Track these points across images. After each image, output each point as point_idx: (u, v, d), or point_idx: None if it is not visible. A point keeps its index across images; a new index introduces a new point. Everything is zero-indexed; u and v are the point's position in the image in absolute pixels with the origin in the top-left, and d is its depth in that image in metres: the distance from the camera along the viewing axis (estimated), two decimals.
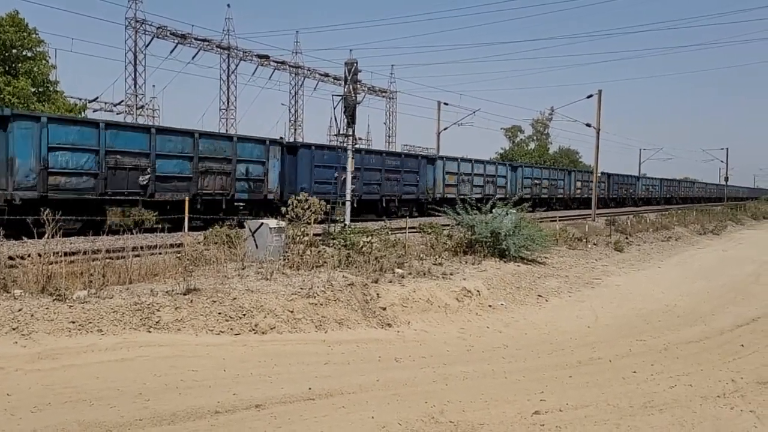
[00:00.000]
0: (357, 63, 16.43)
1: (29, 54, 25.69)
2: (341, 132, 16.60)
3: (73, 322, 7.40)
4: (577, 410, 5.79)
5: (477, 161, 37.36)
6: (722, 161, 72.74)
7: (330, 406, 5.70)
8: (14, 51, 25.08)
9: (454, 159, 35.32)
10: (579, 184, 50.75)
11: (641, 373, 7.80)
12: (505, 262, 15.98)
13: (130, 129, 18.96)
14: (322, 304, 9.22)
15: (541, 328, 10.75)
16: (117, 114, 40.13)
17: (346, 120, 16.11)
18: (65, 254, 9.94)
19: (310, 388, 6.13)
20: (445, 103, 39.98)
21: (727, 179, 74.74)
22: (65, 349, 6.73)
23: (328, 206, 14.30)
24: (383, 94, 56.26)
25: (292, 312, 8.81)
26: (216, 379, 6.31)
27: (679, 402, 6.39)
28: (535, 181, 43.97)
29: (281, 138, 25.07)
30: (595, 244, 23.11)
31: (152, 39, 40.36)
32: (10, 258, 9.56)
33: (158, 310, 8.02)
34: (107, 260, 10.04)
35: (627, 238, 25.81)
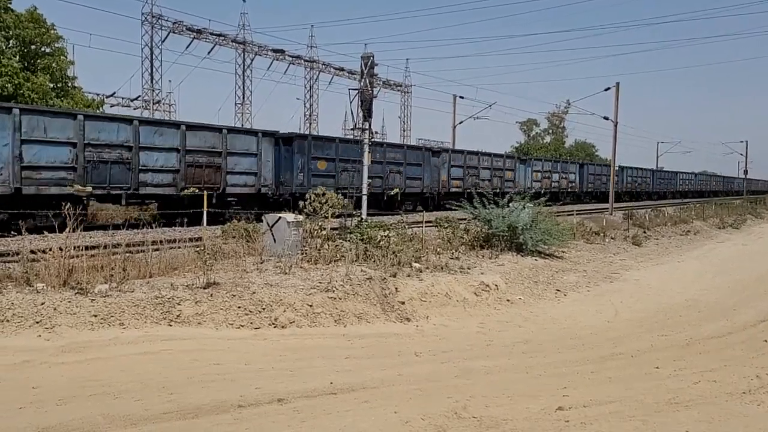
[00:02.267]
0: (373, 56, 16.38)
1: (48, 50, 25.84)
2: (358, 126, 16.55)
3: (96, 316, 7.46)
4: (601, 406, 5.73)
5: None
6: (741, 154, 71.82)
7: (353, 400, 5.68)
8: (33, 47, 25.26)
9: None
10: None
11: (664, 369, 7.70)
12: (522, 256, 15.89)
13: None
14: (341, 299, 9.21)
15: (561, 322, 10.68)
16: (134, 109, 40.41)
17: (362, 114, 16.06)
18: (85, 248, 10.01)
19: (332, 383, 6.12)
20: (461, 97, 39.77)
21: (746, 172, 73.78)
22: (89, 343, 6.78)
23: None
24: (398, 88, 56.10)
25: (311, 306, 8.81)
26: (238, 372, 6.32)
27: (705, 398, 6.30)
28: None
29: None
30: (612, 239, 22.94)
31: (168, 34, 40.55)
32: (32, 252, 9.64)
33: (179, 304, 8.06)
34: (127, 254, 10.11)
35: (645, 232, 25.58)
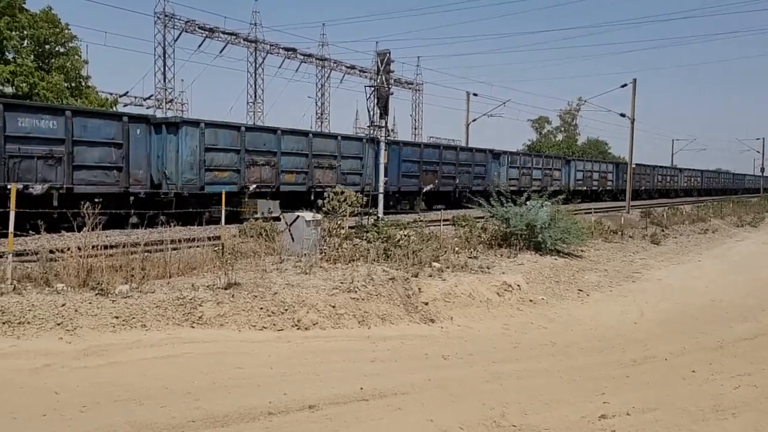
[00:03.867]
0: (390, 53, 16.17)
1: (62, 50, 25.90)
2: (374, 123, 16.35)
3: (117, 317, 7.30)
4: (645, 414, 5.50)
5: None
6: (758, 151, 70.97)
7: (385, 407, 5.48)
8: (47, 47, 25.30)
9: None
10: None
11: (701, 373, 7.47)
12: (541, 255, 15.65)
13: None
14: (363, 299, 9.01)
15: (585, 323, 10.44)
16: (147, 108, 40.42)
17: (379, 111, 15.86)
18: (104, 247, 9.88)
19: (361, 388, 5.93)
20: (474, 94, 39.58)
21: (763, 170, 72.87)
22: (110, 345, 6.62)
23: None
24: (409, 86, 55.83)
25: (333, 307, 8.62)
26: (264, 377, 6.14)
27: (749, 405, 6.06)
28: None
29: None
30: (631, 237, 22.63)
31: (181, 33, 40.51)
32: (50, 252, 9.52)
33: (200, 305, 7.89)
34: (145, 253, 9.97)
35: (663, 230, 25.23)
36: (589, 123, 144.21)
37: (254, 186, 20.20)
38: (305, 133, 22.97)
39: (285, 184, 21.60)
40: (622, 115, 31.47)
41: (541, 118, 75.12)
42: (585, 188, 43.46)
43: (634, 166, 52.33)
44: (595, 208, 29.86)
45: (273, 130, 21.35)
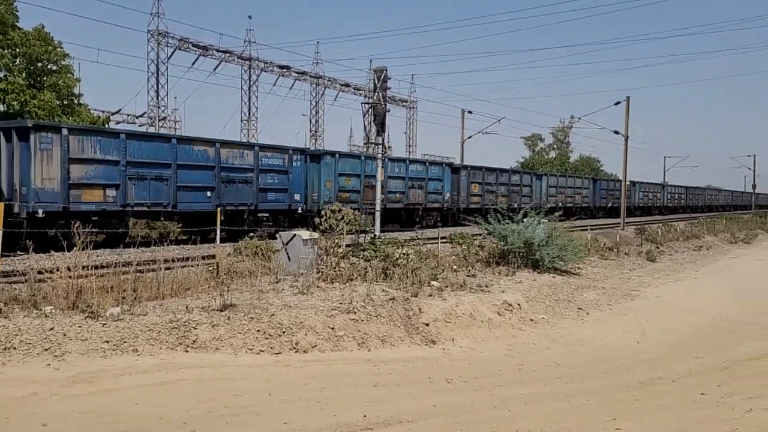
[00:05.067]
0: (386, 70, 16.08)
1: (54, 67, 25.70)
2: (371, 140, 16.22)
3: (108, 342, 7.02)
4: None
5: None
6: (749, 168, 71.29)
7: None
8: (39, 64, 25.10)
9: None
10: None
11: (711, 396, 7.27)
12: (539, 273, 15.49)
13: None
14: (363, 320, 8.77)
15: (589, 344, 10.24)
16: (139, 126, 40.18)
17: (375, 128, 15.73)
18: (94, 267, 9.61)
19: (365, 416, 5.67)
20: (469, 111, 39.53)
21: (754, 187, 73.22)
22: (101, 372, 6.33)
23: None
24: (404, 103, 55.94)
25: (333, 329, 8.38)
26: (263, 404, 5.88)
27: (766, 430, 5.85)
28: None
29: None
30: (626, 254, 22.54)
31: (174, 51, 40.41)
32: (39, 272, 9.23)
33: (195, 328, 7.62)
34: (137, 274, 9.70)
35: (658, 247, 25.19)
36: (581, 140, 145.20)
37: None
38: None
39: None
40: (616, 132, 31.58)
41: (534, 135, 75.39)
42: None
43: (609, 182, 51.08)
44: (591, 225, 29.75)
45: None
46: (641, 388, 7.57)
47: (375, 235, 15.51)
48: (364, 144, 19.19)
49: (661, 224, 33.02)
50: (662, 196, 61.58)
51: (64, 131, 15.92)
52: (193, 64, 41.81)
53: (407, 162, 29.44)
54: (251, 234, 16.07)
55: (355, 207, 21.44)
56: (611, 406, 6.56)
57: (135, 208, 17.22)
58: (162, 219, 18.61)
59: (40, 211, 15.26)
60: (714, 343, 10.66)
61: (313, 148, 22.27)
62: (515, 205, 30.41)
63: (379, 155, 16.60)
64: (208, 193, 18.78)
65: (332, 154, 24.84)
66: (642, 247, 24.34)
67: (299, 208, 22.24)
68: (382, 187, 24.16)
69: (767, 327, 12.23)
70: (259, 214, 21.04)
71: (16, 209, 15.19)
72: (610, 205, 49.50)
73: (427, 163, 30.61)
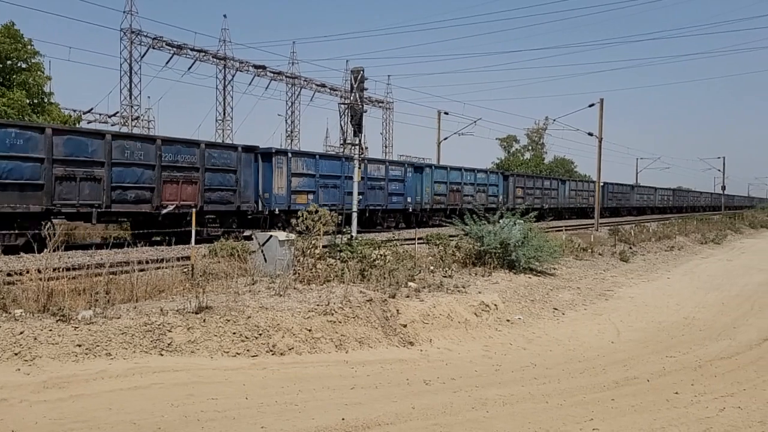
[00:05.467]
0: (363, 71, 16.03)
1: (24, 65, 25.18)
2: (348, 141, 16.15)
3: (80, 346, 6.88)
4: None
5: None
6: (719, 170, 72.66)
7: None
8: (9, 62, 24.57)
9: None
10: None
11: (684, 395, 7.37)
12: (515, 273, 15.61)
13: None
14: (340, 322, 8.73)
15: (564, 344, 10.32)
16: (112, 125, 39.50)
17: (353, 129, 15.68)
18: (66, 269, 9.42)
19: (343, 419, 5.63)
20: (446, 113, 39.68)
21: (724, 188, 74.65)
22: (73, 377, 6.19)
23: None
24: (380, 104, 55.94)
25: (310, 331, 8.31)
26: (239, 408, 5.80)
27: (739, 428, 5.96)
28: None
29: None
30: (600, 254, 22.82)
31: (148, 50, 39.84)
32: (8, 275, 9.01)
33: (170, 331, 7.50)
34: (110, 275, 9.53)
35: (631, 248, 25.53)
36: (556, 142, 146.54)
37: None
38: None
39: None
40: (590, 134, 31.94)
41: (510, 136, 76.02)
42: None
43: (577, 182, 51.15)
44: (565, 226, 30.05)
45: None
46: (617, 387, 7.64)
47: (352, 236, 15.46)
48: (341, 144, 19.14)
49: (634, 225, 33.46)
50: (631, 197, 62.14)
51: (289, 154, 23.57)
52: (167, 63, 41.34)
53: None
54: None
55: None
56: (588, 406, 6.60)
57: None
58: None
59: (277, 210, 22.38)
60: (686, 343, 10.81)
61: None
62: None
63: (357, 156, 16.55)
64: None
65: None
66: (616, 248, 24.64)
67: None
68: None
69: (736, 326, 12.44)
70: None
71: (260, 207, 22.03)
72: (578, 206, 49.50)
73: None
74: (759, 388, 7.85)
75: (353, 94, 15.75)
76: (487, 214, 16.70)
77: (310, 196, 24.14)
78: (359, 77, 15.85)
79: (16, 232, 14.57)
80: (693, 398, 7.23)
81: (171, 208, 18.33)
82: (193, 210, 13.56)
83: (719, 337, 11.29)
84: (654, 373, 8.46)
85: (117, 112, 39.68)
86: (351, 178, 25.48)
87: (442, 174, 32.74)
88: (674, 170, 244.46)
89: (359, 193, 25.58)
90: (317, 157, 25.28)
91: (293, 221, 12.09)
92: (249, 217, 21.63)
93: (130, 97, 38.47)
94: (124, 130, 36.94)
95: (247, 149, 21.54)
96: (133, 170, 17.84)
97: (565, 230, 26.67)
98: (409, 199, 29.97)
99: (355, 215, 16.76)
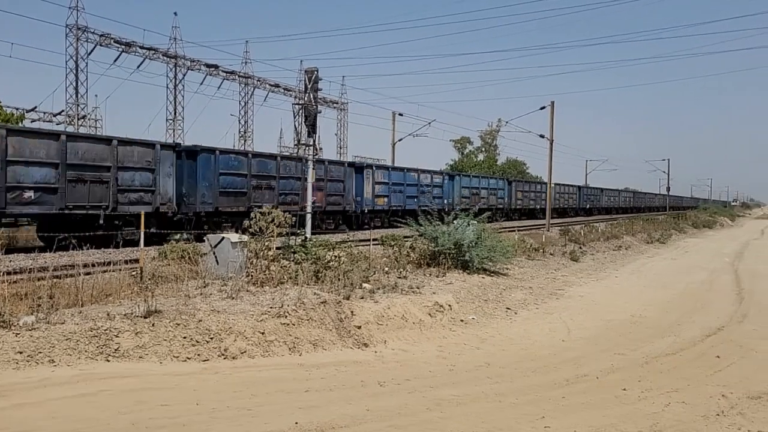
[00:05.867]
0: (317, 71, 15.93)
1: None
2: (302, 142, 16.02)
3: (21, 353, 6.60)
4: None
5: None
6: (664, 172, 74.95)
7: None
8: None
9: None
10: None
11: (632, 391, 7.56)
12: (468, 273, 15.76)
13: None
14: (294, 324, 8.63)
15: (517, 343, 10.46)
16: (57, 124, 38.17)
17: (307, 129, 15.56)
18: (6, 273, 9.03)
19: (297, 422, 5.56)
20: (400, 114, 39.77)
21: (668, 189, 77.17)
22: (14, 385, 5.92)
23: None
24: (334, 105, 55.76)
25: (263, 334, 8.19)
26: (190, 414, 5.65)
27: (685, 423, 6.15)
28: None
29: None
30: (551, 254, 23.27)
31: (95, 47, 38.65)
32: None
33: (117, 336, 7.28)
34: (54, 279, 9.18)
35: (581, 248, 26.13)
36: (509, 143, 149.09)
37: None
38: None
39: None
40: (542, 136, 32.55)
41: (463, 138, 76.96)
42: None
43: (525, 183, 51.54)
44: (518, 227, 30.55)
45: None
46: (568, 385, 7.78)
47: (306, 238, 15.34)
48: (295, 145, 18.97)
49: (583, 225, 34.27)
50: (578, 198, 62.92)
51: (374, 168, 30.11)
52: (115, 60, 40.25)
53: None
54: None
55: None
56: (540, 404, 6.71)
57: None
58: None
59: (366, 210, 29.05)
60: (634, 340, 11.10)
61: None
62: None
63: (311, 157, 16.43)
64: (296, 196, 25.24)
65: (370, 166, 28.80)
66: (566, 248, 25.19)
67: (350, 210, 29.05)
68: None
69: (681, 323, 12.84)
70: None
71: (354, 208, 29.16)
72: (527, 207, 49.75)
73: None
74: (702, 384, 8.12)
75: (307, 95, 15.64)
76: (428, 216, 16.73)
77: (385, 199, 30.88)
78: (313, 77, 15.75)
79: None
80: (640, 394, 7.43)
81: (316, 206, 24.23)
82: (142, 211, 13.23)
83: (665, 334, 11.64)
84: (603, 371, 8.66)
85: (62, 111, 38.39)
86: (411, 185, 32.24)
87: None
88: (621, 171, 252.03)
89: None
90: (389, 169, 32.56)
91: (246, 222, 11.89)
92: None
93: (76, 96, 37.27)
94: (70, 129, 35.75)
95: (350, 164, 29.51)
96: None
97: (518, 231, 27.12)
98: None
99: (309, 216, 16.64)
